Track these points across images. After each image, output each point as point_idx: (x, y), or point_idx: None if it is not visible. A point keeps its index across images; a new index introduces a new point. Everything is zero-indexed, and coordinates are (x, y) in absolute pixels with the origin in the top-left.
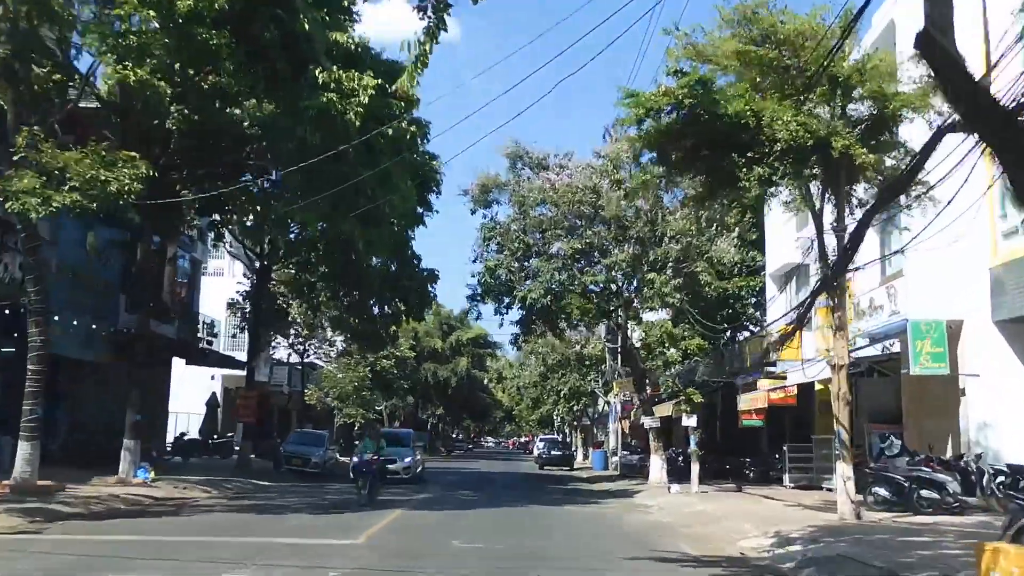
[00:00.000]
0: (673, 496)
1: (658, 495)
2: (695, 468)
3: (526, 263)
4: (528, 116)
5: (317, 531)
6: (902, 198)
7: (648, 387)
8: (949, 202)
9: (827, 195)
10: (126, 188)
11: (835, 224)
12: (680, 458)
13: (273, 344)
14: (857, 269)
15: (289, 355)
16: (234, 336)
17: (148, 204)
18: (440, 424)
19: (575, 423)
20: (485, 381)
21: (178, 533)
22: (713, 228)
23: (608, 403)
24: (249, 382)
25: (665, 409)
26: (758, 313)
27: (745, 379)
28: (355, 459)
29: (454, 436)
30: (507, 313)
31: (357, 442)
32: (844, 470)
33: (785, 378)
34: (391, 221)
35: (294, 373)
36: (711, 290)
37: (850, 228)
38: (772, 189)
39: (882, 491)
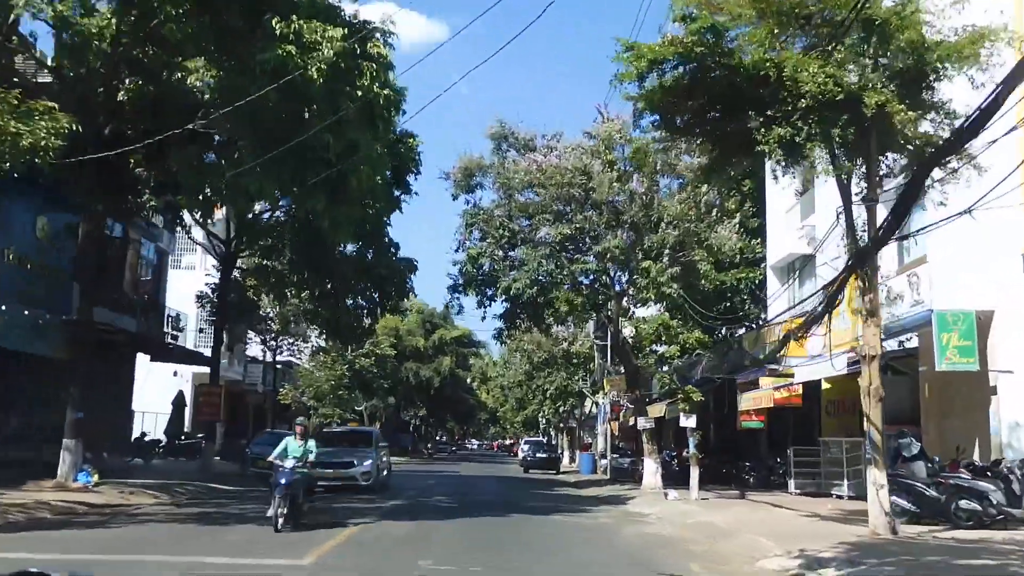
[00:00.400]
0: (672, 503)
1: (655, 502)
2: (695, 473)
3: (511, 252)
4: (517, 102)
5: (260, 548)
6: (936, 171)
7: (640, 386)
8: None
9: (857, 163)
10: (42, 144)
11: (865, 193)
12: (674, 461)
13: (247, 341)
14: (906, 237)
15: (264, 352)
16: (201, 331)
17: (97, 182)
18: (423, 426)
19: (561, 425)
20: (469, 381)
21: (92, 549)
22: (713, 214)
23: (596, 404)
24: (213, 378)
25: (658, 409)
26: (756, 308)
27: (746, 377)
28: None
29: (438, 438)
30: (490, 306)
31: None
32: (876, 477)
33: (792, 376)
34: (365, 202)
35: (270, 372)
36: (708, 282)
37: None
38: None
39: (901, 501)
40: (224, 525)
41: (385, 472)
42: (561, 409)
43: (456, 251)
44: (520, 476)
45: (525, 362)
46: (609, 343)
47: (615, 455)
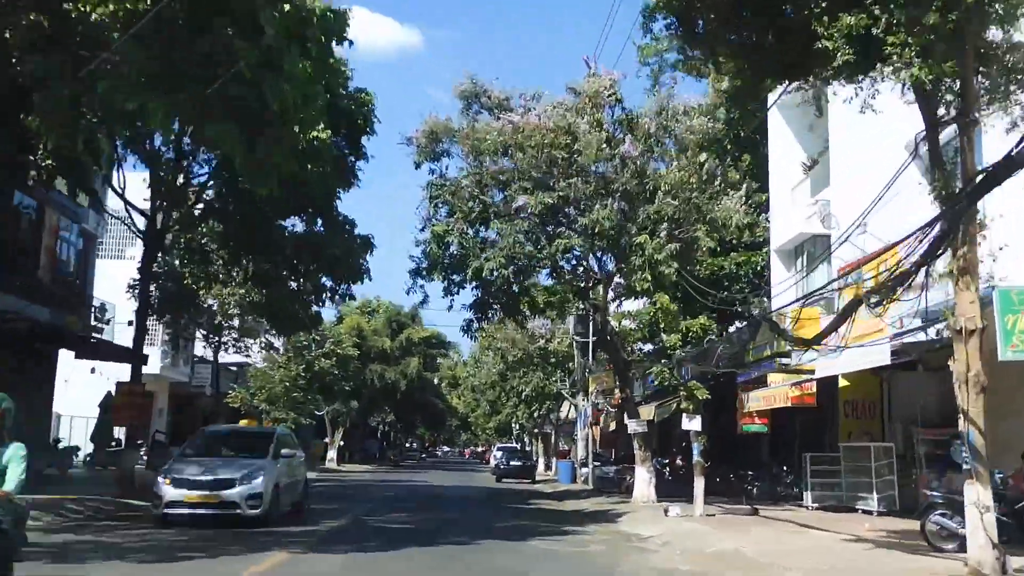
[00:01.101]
0: (674, 521)
1: (654, 520)
2: (699, 485)
3: (483, 230)
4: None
5: None
6: None
7: (629, 384)
8: None
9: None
10: None
11: (957, 113)
12: (666, 470)
13: (192, 339)
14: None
15: (206, 349)
16: (130, 323)
17: None
18: (392, 432)
19: (536, 431)
20: (437, 382)
21: None
22: (716, 183)
23: (575, 407)
24: (136, 375)
25: (646, 412)
26: (757, 297)
27: (748, 376)
28: None
29: (407, 445)
30: (458, 293)
31: None
32: (980, 495)
33: (812, 372)
34: (300, 151)
35: (224, 373)
36: (704, 267)
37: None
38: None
39: (949, 522)
40: (86, 563)
41: (298, 492)
42: (537, 413)
43: (421, 230)
44: (492, 486)
45: (498, 362)
46: (591, 337)
47: (597, 463)
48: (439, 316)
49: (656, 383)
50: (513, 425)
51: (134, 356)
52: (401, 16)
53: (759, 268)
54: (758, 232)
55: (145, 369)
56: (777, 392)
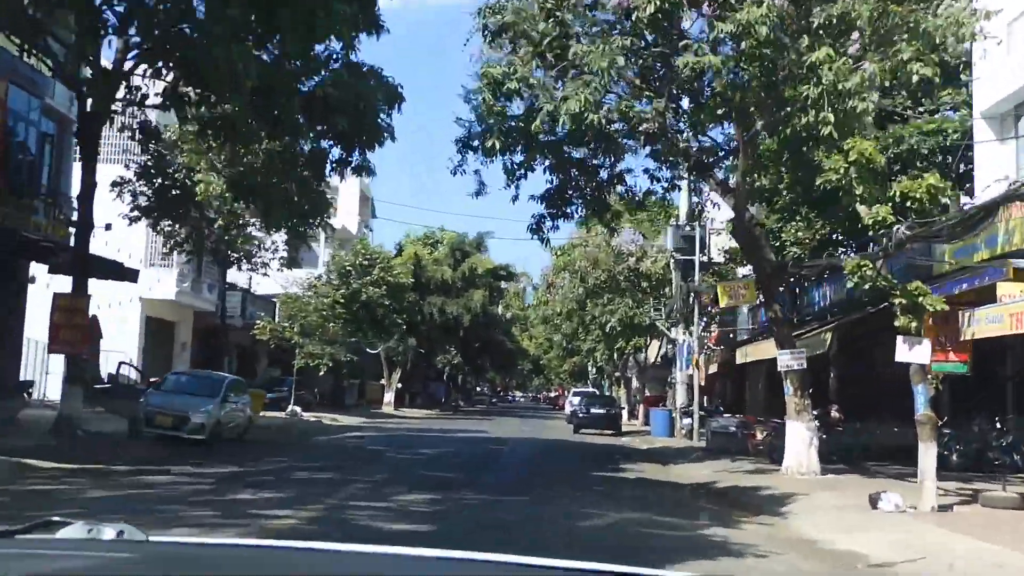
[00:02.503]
0: (899, 522)
1: (851, 515)
2: (930, 456)
3: (559, 64)
4: None
5: None
6: None
7: (780, 300)
8: None
9: None
10: None
11: None
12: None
13: (187, 249)
14: None
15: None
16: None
17: None
18: (459, 375)
19: (616, 374)
20: (502, 313)
21: None
22: None
23: (673, 342)
24: (78, 287)
25: (762, 350)
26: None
27: (953, 287)
28: None
29: (477, 389)
30: (525, 176)
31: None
32: None
33: None
34: None
35: (251, 300)
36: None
37: None
38: None
39: None
40: None
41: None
42: (624, 352)
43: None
44: (568, 439)
45: (576, 285)
46: (697, 251)
47: (708, 413)
48: (496, 203)
49: (852, 285)
50: (590, 368)
51: (76, 258)
52: None
53: (955, 140)
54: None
55: (160, 294)
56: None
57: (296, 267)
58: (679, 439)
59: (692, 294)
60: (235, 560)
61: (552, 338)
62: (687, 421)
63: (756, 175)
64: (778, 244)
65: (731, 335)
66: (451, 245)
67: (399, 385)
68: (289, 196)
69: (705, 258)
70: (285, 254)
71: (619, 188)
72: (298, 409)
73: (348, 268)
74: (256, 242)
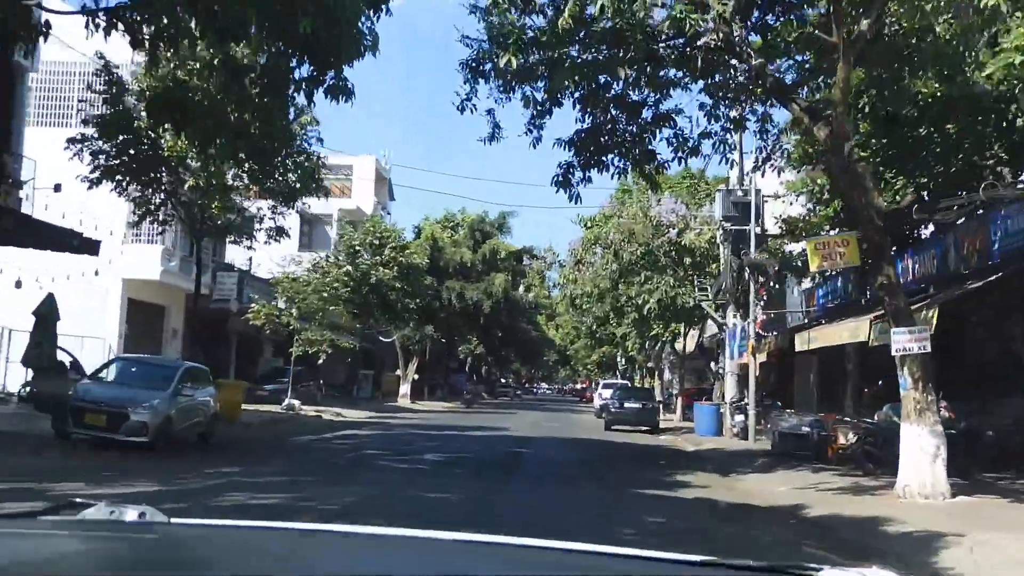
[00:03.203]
0: None
1: None
2: None
3: None
4: None
5: None
6: None
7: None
8: None
9: None
10: None
11: None
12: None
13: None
14: None
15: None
16: (57, 187)
17: None
18: (481, 365)
19: (649, 365)
20: (524, 294)
21: None
22: None
23: (722, 327)
24: None
25: (845, 333)
26: None
27: None
28: None
29: (502, 381)
30: (550, 114)
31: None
32: None
33: None
34: None
35: (256, 285)
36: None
37: None
38: None
39: None
40: None
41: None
42: (660, 339)
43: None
44: (598, 438)
45: (610, 261)
46: (752, 220)
47: (766, 410)
48: (534, 232)
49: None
50: (619, 358)
51: (80, 245)
52: None
53: None
54: None
55: (143, 273)
56: None
57: (284, 236)
58: (729, 439)
59: (747, 269)
60: (257, 542)
61: (579, 327)
62: (739, 418)
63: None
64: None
65: (773, 319)
66: (471, 225)
67: (416, 376)
68: (240, 125)
69: (759, 229)
70: (274, 223)
71: (666, 131)
72: (296, 403)
73: (356, 247)
74: (238, 210)
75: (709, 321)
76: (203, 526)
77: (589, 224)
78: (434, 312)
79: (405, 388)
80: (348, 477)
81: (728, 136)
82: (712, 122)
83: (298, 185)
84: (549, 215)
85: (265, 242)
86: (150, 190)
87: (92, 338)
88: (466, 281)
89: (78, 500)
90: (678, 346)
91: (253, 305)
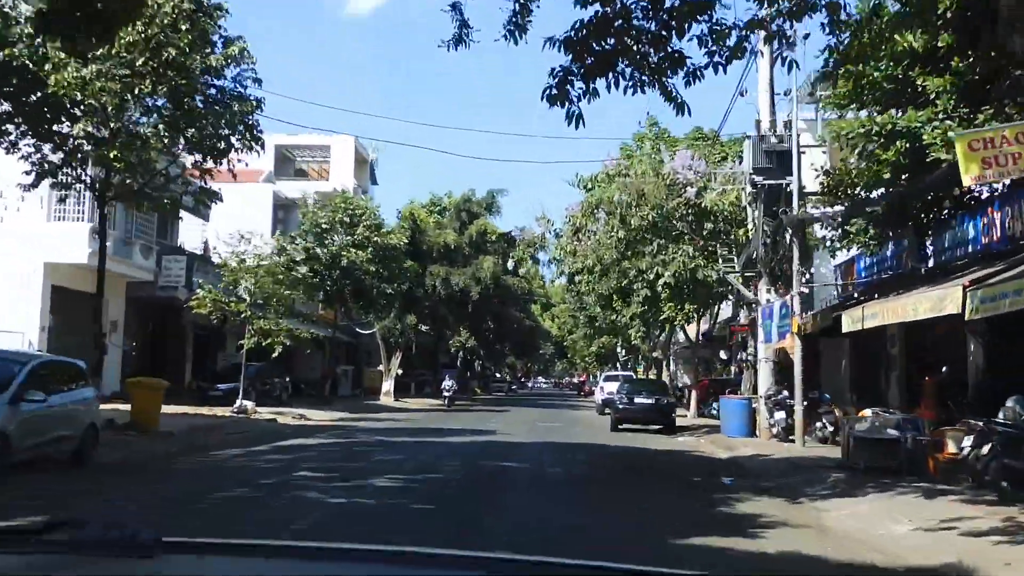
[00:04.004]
0: None
1: None
2: None
3: None
4: None
5: None
6: None
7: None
8: None
9: None
10: None
11: None
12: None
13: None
14: None
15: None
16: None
17: None
18: (473, 359)
19: (655, 355)
20: (516, 271)
21: None
22: None
23: (749, 306)
24: None
25: (898, 310)
26: None
27: None
28: None
29: (497, 376)
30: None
31: None
32: None
33: None
34: None
35: (197, 265)
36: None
37: None
38: None
39: None
40: None
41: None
42: (673, 322)
43: None
44: (608, 442)
45: (615, 228)
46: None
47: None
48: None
49: None
50: (619, 349)
51: None
52: None
53: None
54: None
55: (69, 256)
56: None
57: (216, 200)
58: (766, 440)
59: (787, 231)
60: (251, 560)
61: (576, 315)
62: (779, 415)
63: None
64: None
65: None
66: (456, 206)
67: (400, 372)
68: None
69: (796, 186)
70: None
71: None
72: (250, 405)
73: (323, 225)
74: (155, 169)
75: (722, 304)
76: (195, 544)
77: (590, 185)
78: (417, 300)
79: (388, 385)
80: (214, 526)
81: (788, 26)
82: (765, 5)
83: (230, 135)
84: (542, 193)
85: (191, 209)
86: (49, 145)
87: (8, 332)
88: (451, 265)
89: (72, 519)
90: (691, 331)
91: (197, 291)
